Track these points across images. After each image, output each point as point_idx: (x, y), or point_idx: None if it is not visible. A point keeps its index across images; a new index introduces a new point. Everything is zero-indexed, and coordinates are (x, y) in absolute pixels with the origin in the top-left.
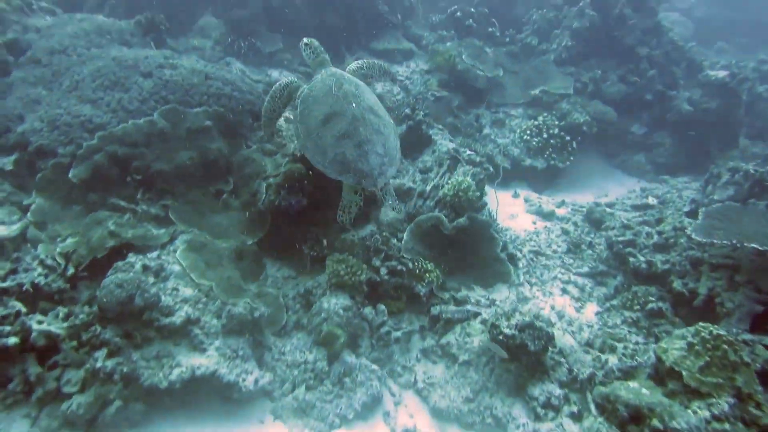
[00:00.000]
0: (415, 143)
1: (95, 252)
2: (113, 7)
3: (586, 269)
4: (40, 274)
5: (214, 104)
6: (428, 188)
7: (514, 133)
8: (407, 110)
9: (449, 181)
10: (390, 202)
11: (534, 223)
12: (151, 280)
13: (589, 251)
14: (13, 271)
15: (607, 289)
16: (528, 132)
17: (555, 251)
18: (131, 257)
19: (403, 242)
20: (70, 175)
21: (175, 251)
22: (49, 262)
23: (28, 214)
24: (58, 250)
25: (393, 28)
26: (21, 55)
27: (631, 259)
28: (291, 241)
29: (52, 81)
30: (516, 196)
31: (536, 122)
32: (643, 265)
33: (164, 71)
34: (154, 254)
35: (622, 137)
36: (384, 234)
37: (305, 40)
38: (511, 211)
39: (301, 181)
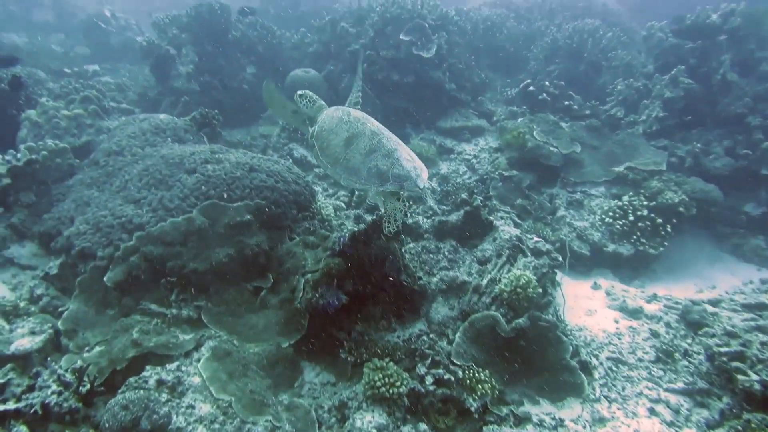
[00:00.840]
0: (474, 230)
1: (115, 363)
2: (186, 103)
3: (681, 385)
4: (53, 392)
5: (256, 197)
6: (484, 282)
7: (594, 214)
8: (464, 195)
9: (506, 276)
10: (430, 202)
11: (616, 321)
12: (164, 397)
13: (685, 362)
14: (31, 388)
15: (710, 413)
16: (611, 213)
17: (641, 359)
18: (147, 370)
19: (453, 345)
20: (105, 278)
21: (198, 360)
22: (67, 377)
23: (59, 322)
24: (78, 362)
25: (461, 105)
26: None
27: (740, 377)
28: (331, 342)
29: (105, 182)
30: (596, 287)
31: (621, 203)
32: (757, 386)
33: (207, 167)
34: (174, 365)
35: (732, 218)
36: (431, 336)
37: (299, 92)
38: (589, 306)
39: (340, 276)
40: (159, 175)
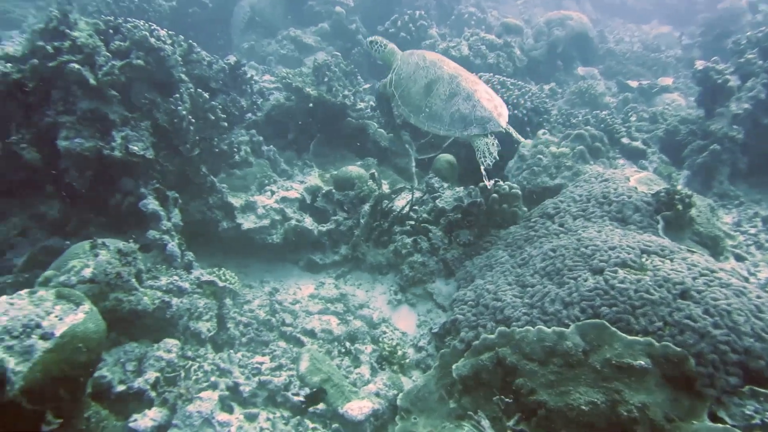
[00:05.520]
0: None
1: None
2: (715, 153)
3: None
4: None
5: (670, 338)
6: None
7: None
8: None
9: None
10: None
11: None
12: None
13: None
14: None
15: None
16: None
17: None
18: None
19: None
20: (453, 367)
21: None
22: None
23: (399, 396)
24: None
25: None
26: None
27: None
28: None
29: (519, 247)
30: None
31: None
32: None
33: (618, 272)
34: None
35: None
36: None
37: (369, 39)
38: None
39: None
40: (559, 263)
